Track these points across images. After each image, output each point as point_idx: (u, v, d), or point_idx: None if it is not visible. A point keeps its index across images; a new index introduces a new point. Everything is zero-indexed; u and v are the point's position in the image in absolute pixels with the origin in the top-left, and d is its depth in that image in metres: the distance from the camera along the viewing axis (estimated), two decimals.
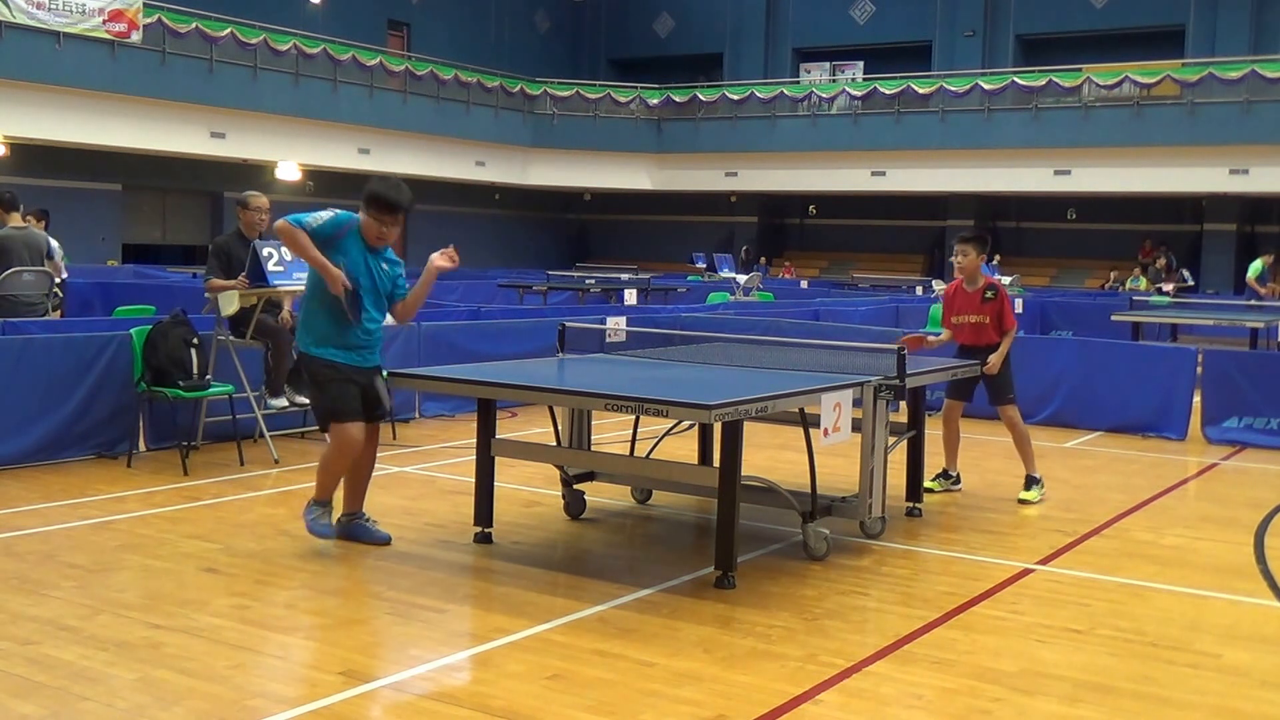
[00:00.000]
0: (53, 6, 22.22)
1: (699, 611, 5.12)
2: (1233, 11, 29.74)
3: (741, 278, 22.29)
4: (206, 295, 8.46)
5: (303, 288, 6.31)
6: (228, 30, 25.33)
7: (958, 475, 7.91)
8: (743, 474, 5.61)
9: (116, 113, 23.78)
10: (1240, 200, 29.34)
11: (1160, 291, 22.91)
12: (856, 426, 6.02)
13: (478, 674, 4.43)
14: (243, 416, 8.29)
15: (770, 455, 8.59)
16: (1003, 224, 34.20)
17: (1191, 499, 8.13)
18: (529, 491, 7.44)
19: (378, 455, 6.30)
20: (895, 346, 6.39)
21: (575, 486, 6.80)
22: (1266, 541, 6.74)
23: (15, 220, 9.74)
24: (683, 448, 7.79)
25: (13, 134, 23.02)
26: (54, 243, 11.46)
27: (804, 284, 28.04)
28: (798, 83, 33.99)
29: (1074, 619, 5.19)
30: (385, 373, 6.15)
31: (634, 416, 6.29)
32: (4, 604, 4.95)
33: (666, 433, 7.38)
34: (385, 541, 6.03)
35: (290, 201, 27.70)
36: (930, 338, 7.90)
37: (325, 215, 5.94)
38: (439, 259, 6.12)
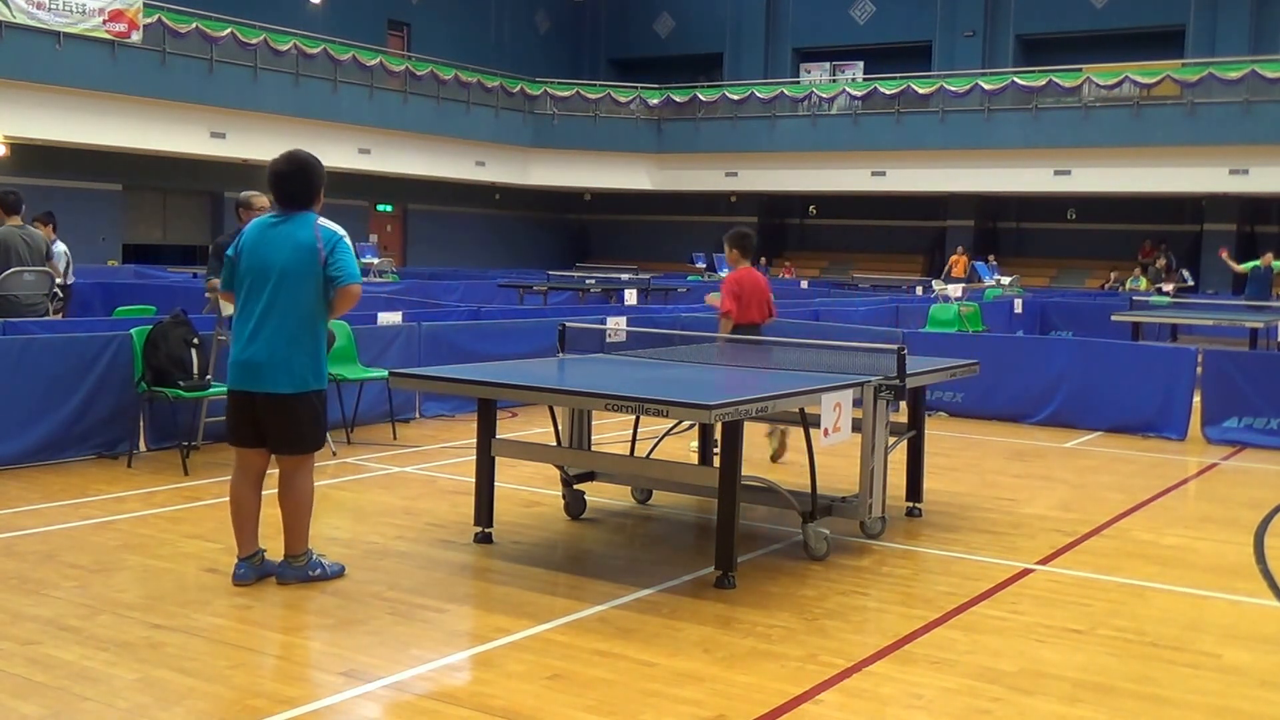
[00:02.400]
0: (53, 6, 22.22)
1: (699, 611, 5.12)
2: (1233, 11, 29.74)
3: None
4: (207, 295, 8.47)
5: None
6: (228, 30, 25.34)
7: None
8: (743, 474, 5.61)
9: (116, 113, 23.79)
10: (1240, 200, 29.34)
11: (1160, 291, 22.92)
12: (856, 426, 6.03)
13: (478, 674, 4.43)
14: None
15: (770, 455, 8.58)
16: (1003, 224, 34.23)
17: (1191, 499, 8.13)
18: (529, 491, 7.44)
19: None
20: (895, 347, 6.39)
21: (575, 486, 6.80)
22: (1266, 541, 6.74)
23: (16, 222, 9.73)
24: (683, 448, 7.79)
25: (13, 134, 23.01)
26: (61, 246, 11.52)
27: (804, 284, 28.04)
28: (798, 83, 34.00)
29: (1074, 619, 5.19)
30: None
31: (634, 416, 6.29)
32: (4, 604, 4.95)
33: (666, 433, 7.39)
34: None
35: None
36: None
37: (347, 241, 5.29)
38: None
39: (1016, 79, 29.62)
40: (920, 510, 7.10)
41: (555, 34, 38.63)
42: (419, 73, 30.11)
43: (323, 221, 5.28)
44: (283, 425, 5.30)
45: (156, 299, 13.21)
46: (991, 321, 17.03)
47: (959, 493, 7.81)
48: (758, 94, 32.74)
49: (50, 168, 24.98)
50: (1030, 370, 11.09)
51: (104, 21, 22.99)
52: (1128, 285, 26.21)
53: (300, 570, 5.37)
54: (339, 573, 5.46)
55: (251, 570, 5.35)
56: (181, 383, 7.76)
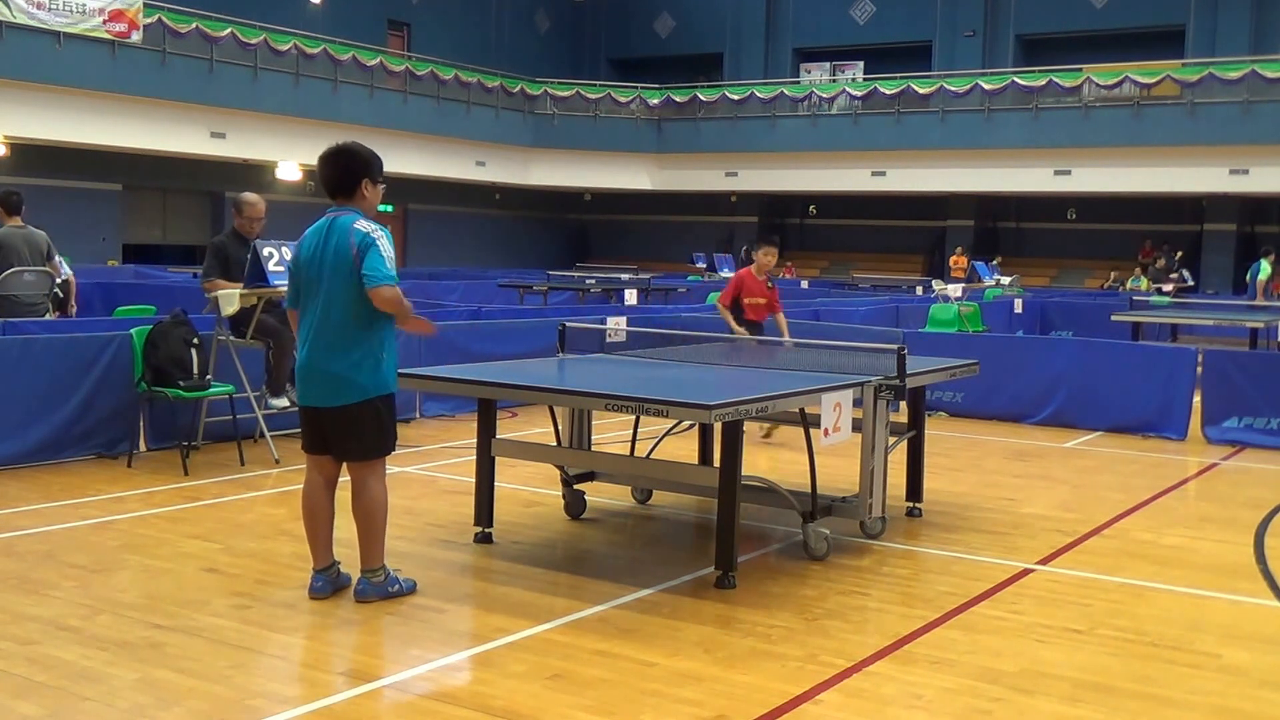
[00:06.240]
0: (53, 6, 22.22)
1: (699, 611, 5.12)
2: (1233, 11, 29.74)
3: None
4: (206, 295, 8.47)
5: None
6: (228, 30, 25.34)
7: None
8: (743, 474, 5.61)
9: (116, 113, 23.78)
10: (1240, 200, 29.33)
11: (1160, 291, 22.93)
12: (856, 426, 6.02)
13: (478, 674, 4.43)
14: (243, 416, 8.30)
15: (770, 455, 8.58)
16: (1003, 224, 34.22)
17: (1191, 499, 8.13)
18: (529, 491, 7.44)
19: None
20: (895, 347, 6.39)
21: (575, 486, 6.80)
22: (1266, 541, 6.74)
23: (17, 223, 9.73)
24: (683, 448, 7.79)
25: (13, 134, 23.02)
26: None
27: (804, 284, 28.03)
28: (798, 83, 33.99)
29: (1074, 619, 5.19)
30: None
31: (634, 416, 6.29)
32: (4, 604, 4.95)
33: (667, 433, 7.38)
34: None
35: (290, 201, 27.75)
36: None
37: (389, 248, 4.99)
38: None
39: (1016, 79, 29.61)
40: (920, 510, 7.10)
41: (555, 34, 38.62)
42: (419, 73, 30.10)
43: (361, 223, 5.02)
44: (341, 434, 5.11)
45: (156, 299, 13.21)
46: (991, 321, 17.03)
47: (959, 493, 7.81)
48: (758, 94, 32.74)
49: (50, 168, 24.98)
50: (1030, 370, 11.08)
51: (104, 21, 22.99)
52: (1129, 285, 26.21)
53: (380, 587, 5.14)
54: (413, 589, 5.28)
55: (329, 583, 5.18)
56: (181, 383, 7.75)
